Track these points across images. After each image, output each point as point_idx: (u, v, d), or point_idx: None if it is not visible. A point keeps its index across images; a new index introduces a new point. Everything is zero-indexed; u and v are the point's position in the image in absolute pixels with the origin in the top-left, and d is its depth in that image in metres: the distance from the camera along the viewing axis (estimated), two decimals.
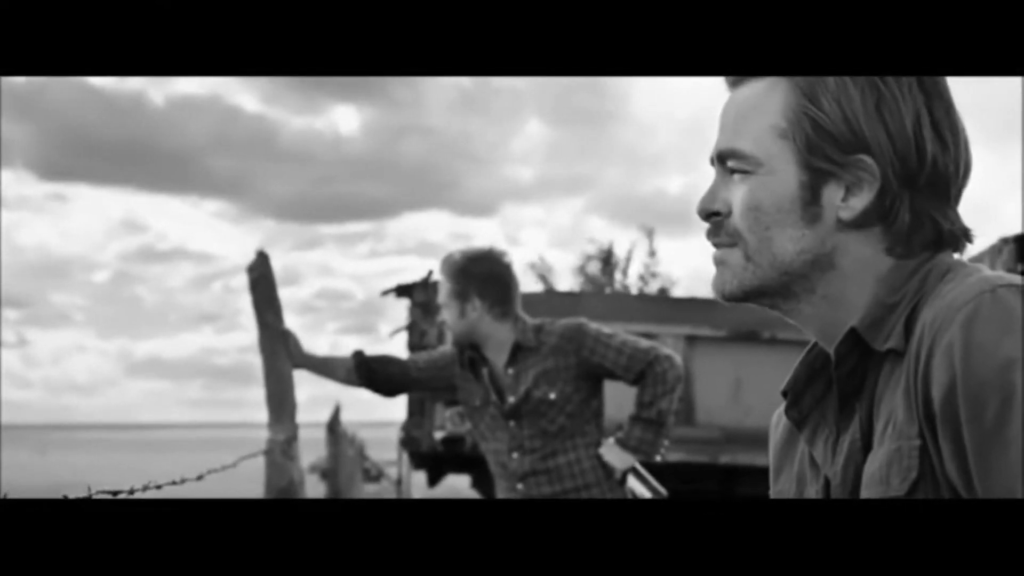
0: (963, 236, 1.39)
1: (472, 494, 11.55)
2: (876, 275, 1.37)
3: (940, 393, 1.22)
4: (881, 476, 1.29)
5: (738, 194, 1.40)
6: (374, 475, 22.68)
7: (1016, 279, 1.26)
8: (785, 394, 1.47)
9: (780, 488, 1.52)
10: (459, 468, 11.11)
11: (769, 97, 1.38)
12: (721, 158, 1.42)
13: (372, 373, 4.18)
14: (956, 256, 1.39)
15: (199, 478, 2.71)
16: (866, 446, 1.34)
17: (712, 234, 1.43)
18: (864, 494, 1.32)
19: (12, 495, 1.48)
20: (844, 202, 1.36)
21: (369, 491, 19.61)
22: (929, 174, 1.35)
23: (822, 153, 1.35)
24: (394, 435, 10.94)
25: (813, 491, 1.44)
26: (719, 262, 1.43)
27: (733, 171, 1.40)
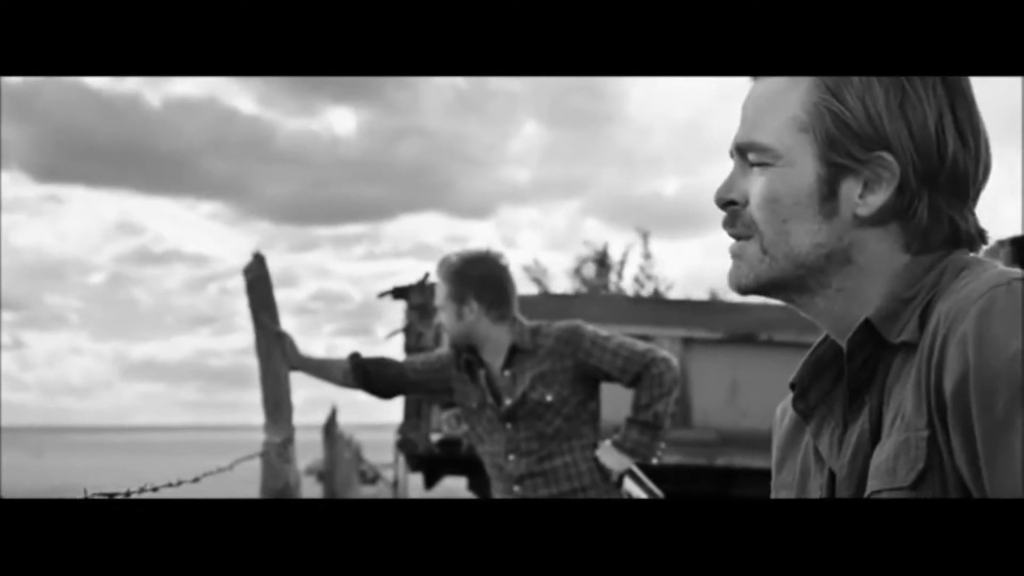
0: (979, 236, 1.39)
1: (469, 496, 11.54)
2: (891, 270, 1.37)
3: (952, 383, 1.22)
4: (888, 467, 1.29)
5: (756, 186, 1.40)
6: (370, 477, 22.67)
7: None
8: (793, 386, 1.47)
9: (783, 480, 1.51)
10: (456, 470, 11.11)
11: (791, 90, 1.39)
12: (740, 150, 1.42)
13: (368, 375, 4.18)
14: (971, 255, 1.38)
15: (195, 480, 2.71)
16: (874, 438, 1.34)
17: (728, 224, 1.43)
18: (871, 485, 1.32)
19: (8, 497, 1.47)
20: (862, 198, 1.36)
21: (365, 493, 19.59)
22: (949, 173, 1.35)
23: (842, 148, 1.35)
24: (390, 437, 10.93)
25: (817, 484, 1.43)
26: (735, 255, 1.43)
27: (753, 163, 1.40)
